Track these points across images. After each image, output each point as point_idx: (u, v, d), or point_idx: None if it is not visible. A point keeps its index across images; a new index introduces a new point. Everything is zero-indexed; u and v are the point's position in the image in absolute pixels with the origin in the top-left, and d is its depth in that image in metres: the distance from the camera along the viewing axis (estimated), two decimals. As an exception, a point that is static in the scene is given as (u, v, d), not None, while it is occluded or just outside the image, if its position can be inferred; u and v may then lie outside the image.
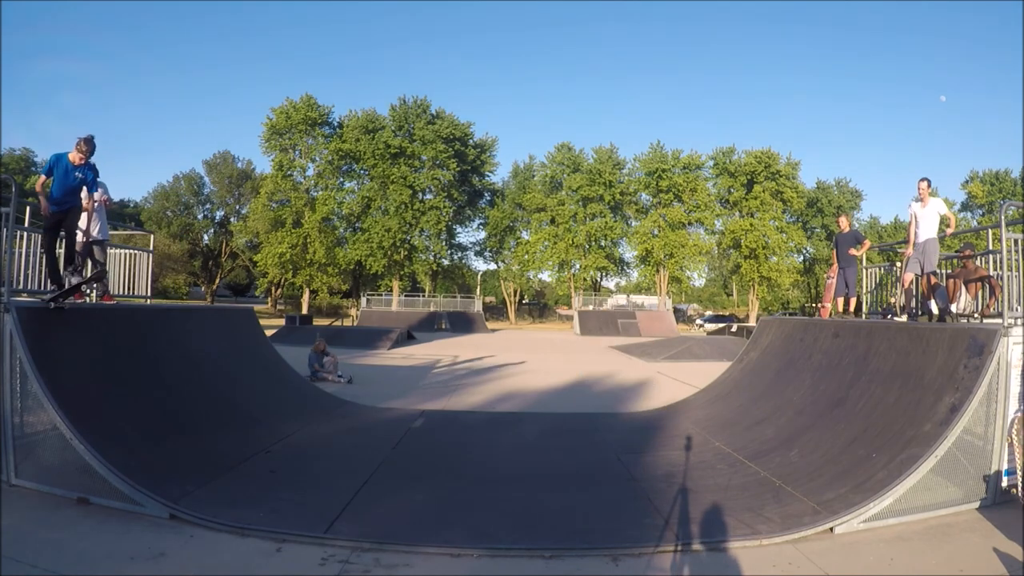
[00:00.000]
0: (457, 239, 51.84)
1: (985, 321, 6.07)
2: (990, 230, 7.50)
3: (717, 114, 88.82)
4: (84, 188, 6.03)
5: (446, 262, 50.88)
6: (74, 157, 5.75)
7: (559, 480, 5.45)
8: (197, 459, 5.23)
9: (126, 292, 8.40)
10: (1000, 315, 5.16)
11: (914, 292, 7.73)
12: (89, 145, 5.82)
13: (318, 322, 31.22)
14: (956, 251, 7.79)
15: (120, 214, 51.88)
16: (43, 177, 5.72)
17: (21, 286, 6.26)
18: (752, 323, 32.14)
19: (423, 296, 46.48)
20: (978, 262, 7.22)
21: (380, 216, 45.21)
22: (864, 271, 9.57)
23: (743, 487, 5.00)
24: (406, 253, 46.28)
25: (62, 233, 6.03)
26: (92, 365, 5.38)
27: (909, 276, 7.44)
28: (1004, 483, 4.47)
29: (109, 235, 7.70)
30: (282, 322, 28.78)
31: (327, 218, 45.60)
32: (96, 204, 7.04)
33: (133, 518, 4.10)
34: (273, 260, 43.61)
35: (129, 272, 8.44)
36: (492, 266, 57.73)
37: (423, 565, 3.59)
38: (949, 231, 7.46)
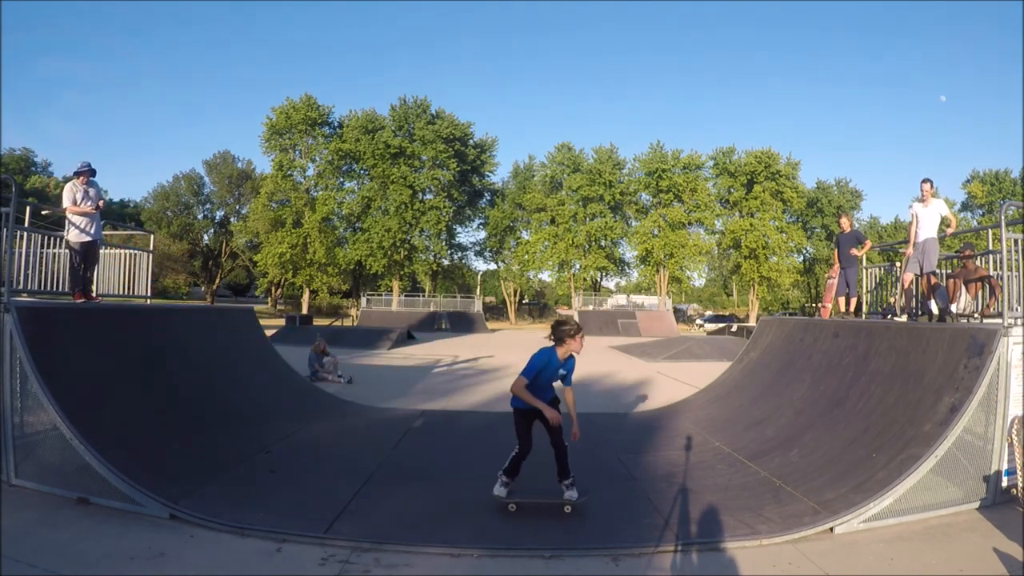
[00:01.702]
0: (457, 239, 51.94)
1: (985, 321, 6.07)
2: (990, 230, 7.50)
3: (717, 114, 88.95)
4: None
5: (446, 262, 50.90)
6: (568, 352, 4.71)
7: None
8: (197, 459, 5.23)
9: (126, 292, 8.39)
10: (1000, 315, 5.16)
11: (914, 292, 7.73)
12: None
13: (318, 322, 31.22)
14: (956, 251, 7.79)
15: (120, 214, 51.94)
16: None
17: (21, 286, 6.27)
18: (752, 323, 32.12)
19: (423, 296, 46.46)
20: (978, 262, 7.22)
21: (380, 216, 45.21)
22: (864, 271, 9.57)
23: (743, 487, 5.00)
24: (406, 253, 46.26)
25: None
26: (92, 365, 5.37)
27: (909, 276, 7.44)
28: (1004, 483, 4.47)
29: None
30: (282, 322, 28.78)
31: (327, 218, 45.59)
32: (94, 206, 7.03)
33: (133, 518, 4.10)
34: (273, 260, 43.59)
35: (129, 272, 8.43)
36: (492, 266, 57.80)
37: (423, 565, 3.59)
38: (949, 231, 7.46)
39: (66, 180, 6.99)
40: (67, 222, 6.81)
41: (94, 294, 7.30)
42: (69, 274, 6.90)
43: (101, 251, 7.86)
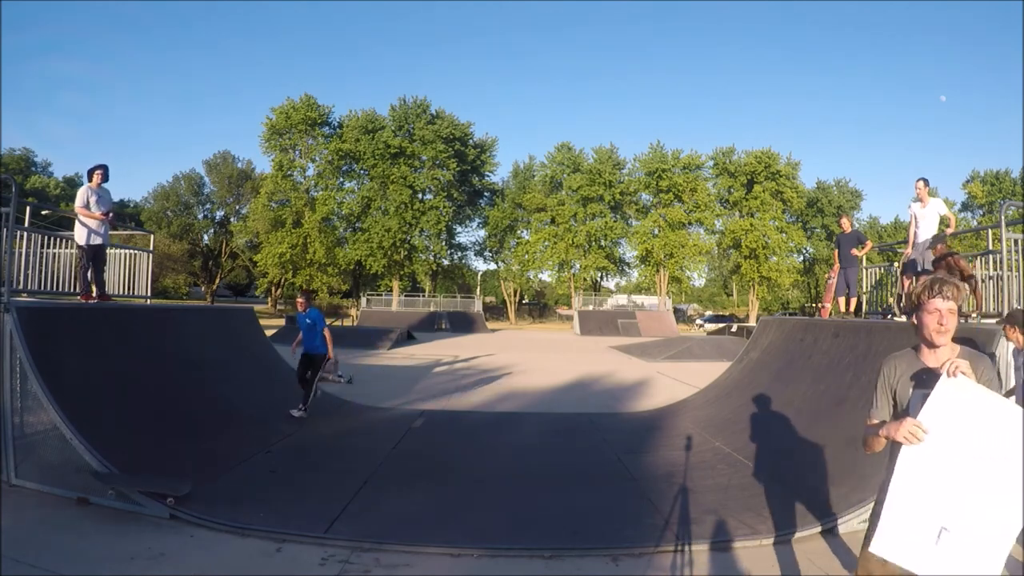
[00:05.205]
0: (457, 239, 51.90)
1: (983, 321, 6.07)
2: (990, 230, 7.50)
3: (717, 114, 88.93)
4: None
5: (446, 262, 50.87)
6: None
7: (559, 480, 5.45)
8: (197, 459, 5.23)
9: (126, 292, 8.40)
10: (1000, 315, 5.16)
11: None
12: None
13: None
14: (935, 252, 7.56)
15: (120, 214, 51.91)
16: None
17: (21, 286, 6.27)
18: (752, 323, 32.13)
19: (423, 296, 46.46)
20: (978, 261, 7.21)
21: (380, 216, 45.19)
22: (864, 271, 9.58)
23: (743, 487, 5.00)
24: (406, 253, 46.25)
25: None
26: (92, 365, 5.38)
27: (909, 276, 7.44)
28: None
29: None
30: (282, 322, 28.76)
31: (327, 218, 45.59)
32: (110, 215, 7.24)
33: (133, 518, 4.10)
34: (273, 260, 43.60)
35: (129, 272, 8.44)
36: (492, 266, 57.78)
37: (423, 565, 3.59)
38: (949, 231, 7.46)
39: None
40: (77, 223, 6.89)
41: (107, 294, 7.42)
42: (79, 276, 6.99)
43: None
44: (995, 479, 1.76)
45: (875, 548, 1.87)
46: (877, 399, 2.17)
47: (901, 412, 2.06)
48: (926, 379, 1.99)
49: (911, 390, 2.06)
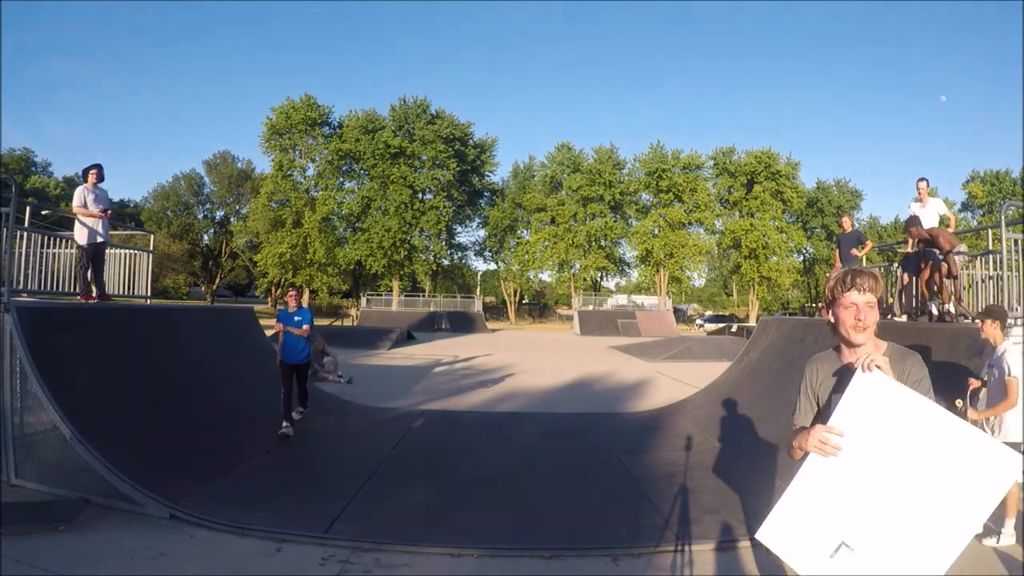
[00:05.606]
0: (457, 239, 51.89)
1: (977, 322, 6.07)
2: (990, 230, 7.50)
3: (717, 114, 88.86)
4: None
5: (446, 262, 50.87)
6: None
7: (559, 480, 5.45)
8: (197, 459, 5.23)
9: (126, 292, 8.40)
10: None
11: (913, 292, 7.73)
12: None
13: (318, 322, 30.99)
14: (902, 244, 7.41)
15: (120, 214, 51.95)
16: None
17: (21, 286, 6.27)
18: (752, 323, 32.12)
19: (423, 296, 46.46)
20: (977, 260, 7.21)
21: (380, 216, 45.20)
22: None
23: (743, 487, 5.00)
24: (406, 253, 46.26)
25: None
26: (92, 365, 5.38)
27: (908, 276, 7.44)
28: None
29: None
30: (282, 322, 28.75)
31: (327, 218, 45.60)
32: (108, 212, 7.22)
33: (133, 518, 4.10)
34: (273, 260, 43.63)
35: (129, 272, 8.44)
36: (492, 266, 57.79)
37: (423, 565, 3.59)
38: (949, 231, 7.45)
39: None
40: (76, 224, 6.92)
41: (107, 294, 7.41)
42: (79, 276, 6.99)
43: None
44: (914, 489, 1.51)
45: (760, 535, 1.66)
46: (800, 404, 2.01)
47: (823, 416, 1.90)
48: (846, 380, 1.78)
49: (831, 392, 1.90)
